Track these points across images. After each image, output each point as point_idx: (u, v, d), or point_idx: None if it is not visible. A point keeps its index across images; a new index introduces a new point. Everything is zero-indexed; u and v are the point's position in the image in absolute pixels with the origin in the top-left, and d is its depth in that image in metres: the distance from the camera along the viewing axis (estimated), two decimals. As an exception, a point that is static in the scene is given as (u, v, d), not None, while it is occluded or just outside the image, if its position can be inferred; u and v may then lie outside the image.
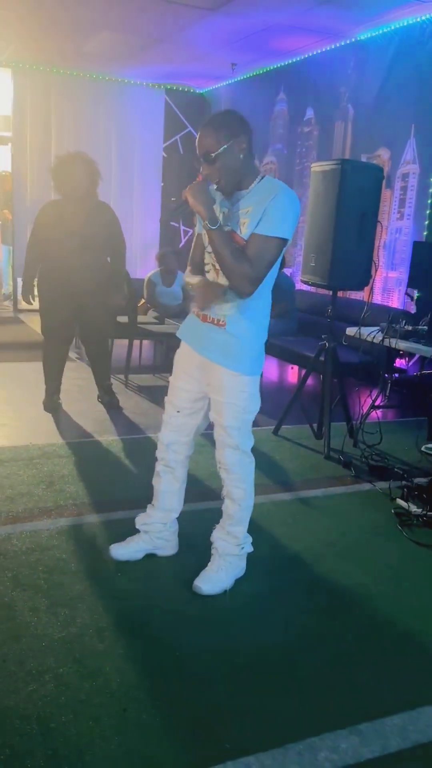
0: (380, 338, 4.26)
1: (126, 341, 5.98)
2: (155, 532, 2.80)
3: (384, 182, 4.30)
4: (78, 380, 5.52)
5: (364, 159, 6.32)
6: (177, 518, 2.84)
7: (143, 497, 2.88)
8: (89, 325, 4.81)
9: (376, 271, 4.22)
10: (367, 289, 4.58)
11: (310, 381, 4.74)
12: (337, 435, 4.41)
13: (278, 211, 2.33)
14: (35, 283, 4.71)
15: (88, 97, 8.91)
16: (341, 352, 4.49)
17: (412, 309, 5.72)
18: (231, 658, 2.26)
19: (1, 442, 4.14)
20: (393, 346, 4.22)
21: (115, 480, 3.68)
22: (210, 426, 2.66)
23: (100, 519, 3.18)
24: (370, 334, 4.35)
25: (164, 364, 6.31)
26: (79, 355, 6.48)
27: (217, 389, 2.51)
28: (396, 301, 6.22)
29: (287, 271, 7.05)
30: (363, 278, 4.20)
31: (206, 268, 2.52)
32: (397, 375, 5.49)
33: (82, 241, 4.44)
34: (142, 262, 9.30)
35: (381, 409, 4.66)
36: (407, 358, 5.72)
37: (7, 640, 2.25)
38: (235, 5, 5.67)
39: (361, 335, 4.35)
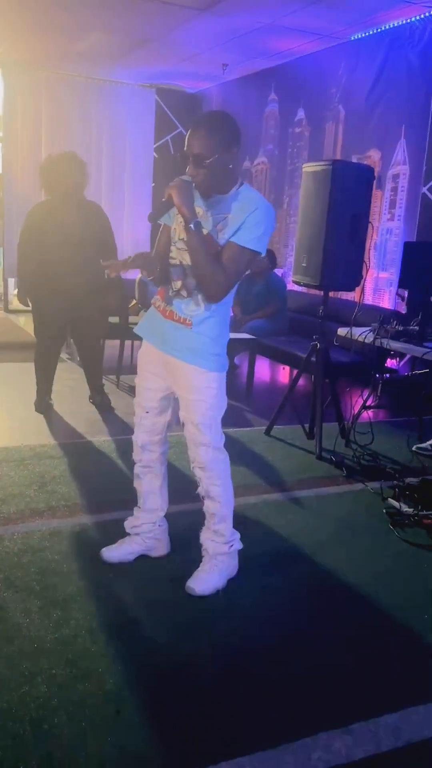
0: (371, 338, 4.27)
1: (117, 341, 5.97)
2: (146, 533, 2.80)
3: (375, 183, 4.32)
4: (69, 381, 5.50)
5: (355, 160, 6.33)
6: (167, 518, 2.84)
7: (135, 497, 2.87)
8: (83, 326, 4.80)
9: (367, 271, 4.23)
10: (358, 289, 4.59)
11: (301, 381, 4.75)
12: (328, 435, 4.42)
13: (258, 225, 2.35)
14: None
15: (78, 97, 8.88)
16: (333, 353, 4.50)
17: (403, 309, 5.74)
18: (224, 659, 2.26)
19: (-7, 443, 4.12)
20: (384, 346, 4.24)
21: (107, 480, 3.67)
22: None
23: (93, 520, 3.17)
24: (362, 334, 4.36)
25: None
26: (70, 356, 6.47)
27: (185, 387, 2.52)
28: (387, 302, 6.24)
29: (278, 271, 7.07)
30: (354, 279, 4.21)
31: (172, 262, 2.50)
32: (388, 375, 5.51)
33: (74, 241, 4.43)
34: (133, 263, 9.27)
35: (372, 409, 4.67)
36: (398, 359, 5.74)
37: (0, 641, 2.24)
38: (225, 5, 5.67)
39: (353, 335, 4.36)
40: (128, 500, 2.96)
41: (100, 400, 4.99)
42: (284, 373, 6.81)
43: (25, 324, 8.03)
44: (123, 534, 2.85)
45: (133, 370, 6.17)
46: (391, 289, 6.17)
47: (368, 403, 4.54)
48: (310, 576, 2.84)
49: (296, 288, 6.54)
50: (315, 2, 5.45)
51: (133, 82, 9.14)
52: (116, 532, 2.89)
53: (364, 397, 4.53)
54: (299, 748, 1.88)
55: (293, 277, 4.40)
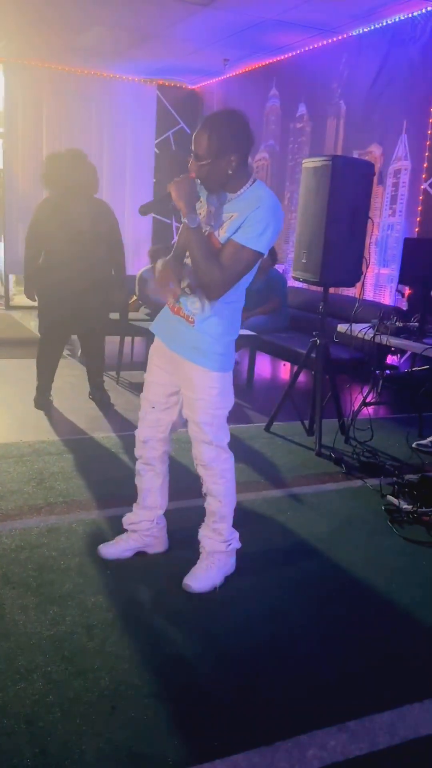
0: (371, 335, 4.26)
1: (117, 338, 5.97)
2: (143, 530, 2.79)
3: (375, 178, 4.30)
4: (69, 377, 5.50)
5: (356, 155, 6.32)
6: (165, 515, 2.84)
7: (134, 494, 2.87)
8: (88, 322, 4.79)
9: (367, 267, 4.21)
10: (358, 285, 4.58)
11: (301, 378, 4.74)
12: (328, 432, 4.41)
13: (258, 224, 2.32)
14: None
15: (79, 92, 8.86)
16: (333, 349, 4.49)
17: (404, 305, 5.73)
18: (220, 656, 2.25)
19: (-8, 439, 4.12)
20: (384, 342, 4.23)
21: (106, 477, 3.67)
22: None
23: (91, 516, 3.17)
24: (362, 330, 4.35)
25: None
26: (71, 352, 6.47)
27: (188, 385, 2.52)
28: (387, 298, 6.23)
29: (279, 267, 7.05)
30: (354, 275, 4.19)
31: (186, 260, 2.50)
32: (388, 372, 5.50)
33: (81, 238, 4.42)
34: (134, 259, 9.27)
35: (372, 406, 4.66)
36: (398, 355, 5.74)
37: (-4, 638, 2.25)
38: (227, 0, 5.65)
39: (353, 332, 4.35)
40: (127, 497, 2.96)
41: (100, 397, 4.99)
42: (284, 370, 6.80)
43: (22, 318, 8.04)
44: (121, 530, 2.84)
45: (133, 366, 6.22)
46: (392, 285, 6.15)
47: (368, 400, 4.53)
48: (308, 573, 2.83)
49: (296, 284, 6.50)
50: (316, -3, 5.44)
51: (134, 78, 9.12)
52: (114, 529, 2.89)
53: (364, 394, 4.53)
54: (294, 746, 1.88)
55: (293, 273, 4.39)
